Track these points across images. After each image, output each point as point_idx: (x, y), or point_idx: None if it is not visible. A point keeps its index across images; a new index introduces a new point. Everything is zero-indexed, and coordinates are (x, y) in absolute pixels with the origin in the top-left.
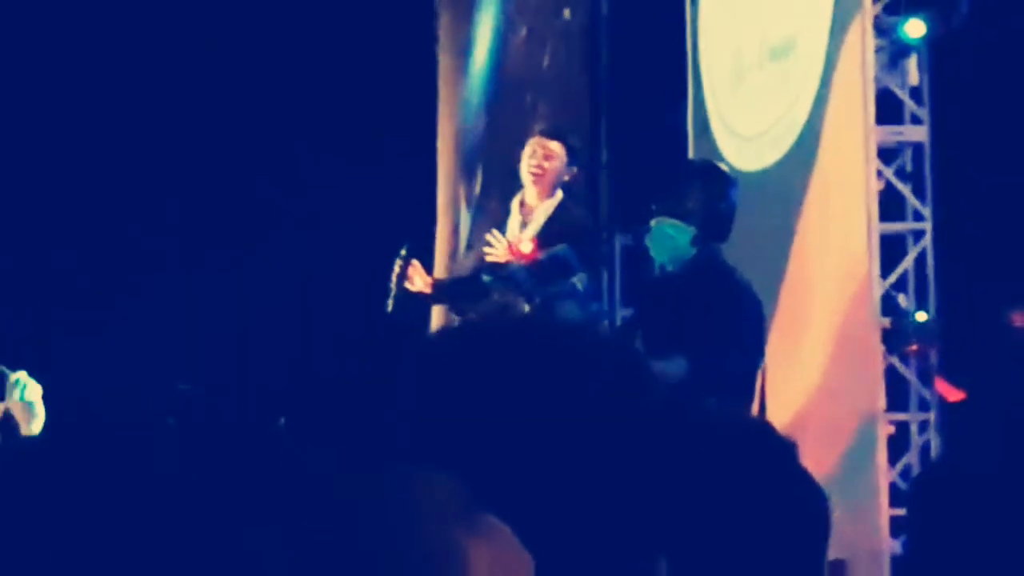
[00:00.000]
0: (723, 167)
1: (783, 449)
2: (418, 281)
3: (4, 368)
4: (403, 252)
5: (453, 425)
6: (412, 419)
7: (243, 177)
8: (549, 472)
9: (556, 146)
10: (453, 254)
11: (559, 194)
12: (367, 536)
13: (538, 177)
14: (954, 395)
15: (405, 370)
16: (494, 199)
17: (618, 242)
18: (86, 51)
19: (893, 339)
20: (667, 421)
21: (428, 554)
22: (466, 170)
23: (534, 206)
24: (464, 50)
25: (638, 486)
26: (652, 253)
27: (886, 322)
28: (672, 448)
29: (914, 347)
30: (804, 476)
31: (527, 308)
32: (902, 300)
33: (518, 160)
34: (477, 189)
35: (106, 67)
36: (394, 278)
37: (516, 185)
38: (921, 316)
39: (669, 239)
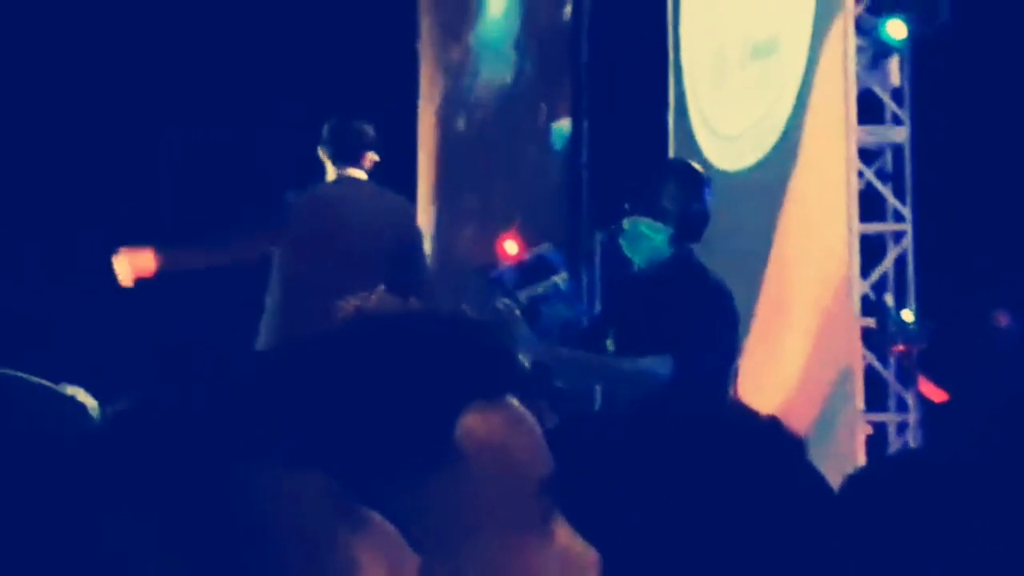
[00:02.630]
0: (697, 166)
1: (795, 446)
2: None
3: (59, 387)
4: None
5: (327, 422)
6: (283, 418)
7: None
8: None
9: None
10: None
11: None
12: (246, 542)
13: None
14: (938, 396)
15: (271, 369)
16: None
17: (598, 240)
18: (67, 47)
19: (878, 339)
20: (659, 417)
21: (313, 554)
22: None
23: None
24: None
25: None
26: (626, 252)
27: (869, 322)
28: (670, 442)
29: (900, 347)
30: (815, 474)
31: (517, 311)
32: (889, 300)
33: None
34: None
35: (80, 69)
36: None
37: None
38: (907, 316)
39: (645, 239)
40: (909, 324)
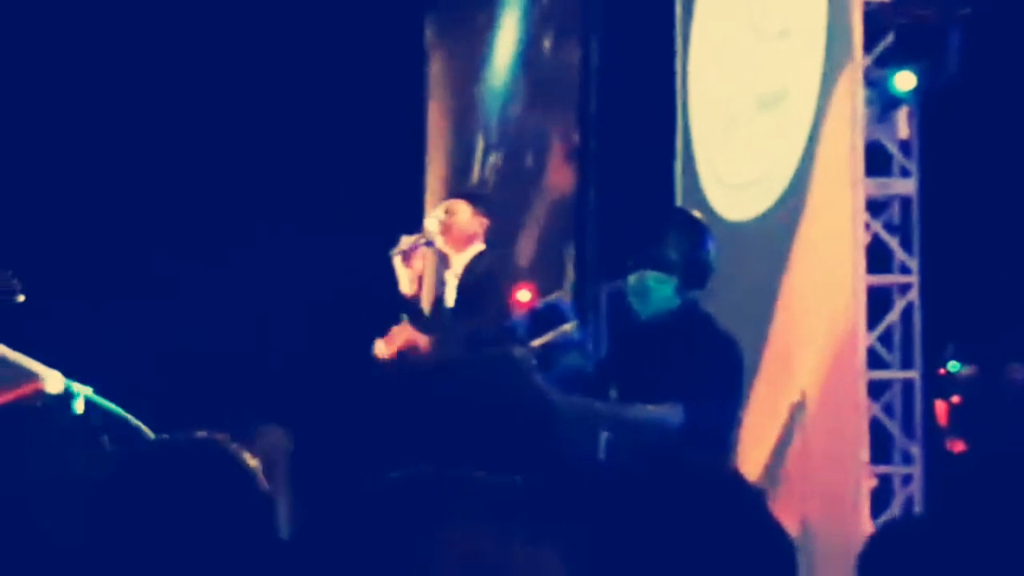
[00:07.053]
0: (697, 215)
1: (753, 498)
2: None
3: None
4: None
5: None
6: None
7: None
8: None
9: (457, 204)
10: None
11: (477, 245)
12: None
13: (445, 229)
14: (959, 447)
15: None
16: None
17: (604, 291)
18: (75, 52)
19: (937, 388)
20: (637, 471)
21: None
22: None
23: (451, 256)
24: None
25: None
26: (635, 307)
27: (874, 374)
28: (644, 496)
29: (956, 398)
30: (773, 525)
31: (532, 360)
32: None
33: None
34: None
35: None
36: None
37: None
38: (953, 366)
39: (653, 291)
40: (957, 374)
